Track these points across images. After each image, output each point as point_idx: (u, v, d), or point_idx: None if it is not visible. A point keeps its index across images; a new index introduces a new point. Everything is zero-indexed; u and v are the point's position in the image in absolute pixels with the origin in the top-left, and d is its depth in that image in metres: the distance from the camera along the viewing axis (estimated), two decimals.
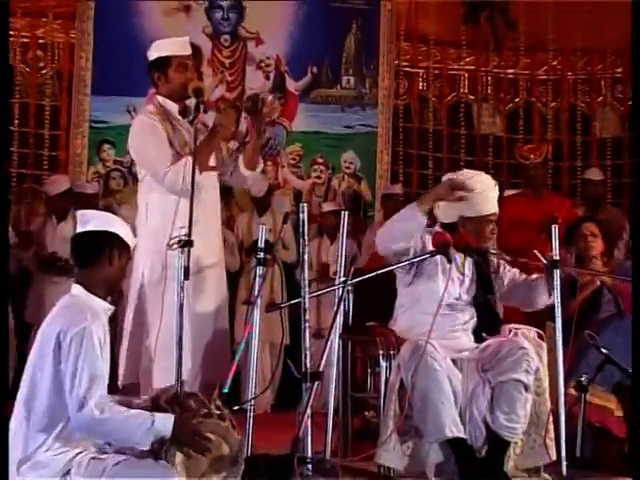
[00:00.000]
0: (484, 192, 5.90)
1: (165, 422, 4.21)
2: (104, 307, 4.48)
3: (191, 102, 6.25)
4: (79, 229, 4.59)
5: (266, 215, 9.59)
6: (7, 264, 6.70)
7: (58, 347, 4.27)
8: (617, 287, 7.05)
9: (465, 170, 6.63)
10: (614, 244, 8.50)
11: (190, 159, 5.98)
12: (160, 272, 6.11)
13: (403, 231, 5.62)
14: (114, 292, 4.77)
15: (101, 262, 4.49)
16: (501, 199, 8.49)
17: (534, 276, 6.11)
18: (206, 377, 6.16)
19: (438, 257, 5.72)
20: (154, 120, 6.30)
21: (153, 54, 6.33)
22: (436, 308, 5.64)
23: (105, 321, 4.43)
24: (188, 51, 6.39)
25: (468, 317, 5.91)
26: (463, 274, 6.00)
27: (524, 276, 6.10)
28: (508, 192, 9.63)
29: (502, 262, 6.15)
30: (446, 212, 5.85)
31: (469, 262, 5.99)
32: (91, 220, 4.63)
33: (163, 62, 6.27)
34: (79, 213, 4.79)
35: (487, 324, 5.92)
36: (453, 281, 5.90)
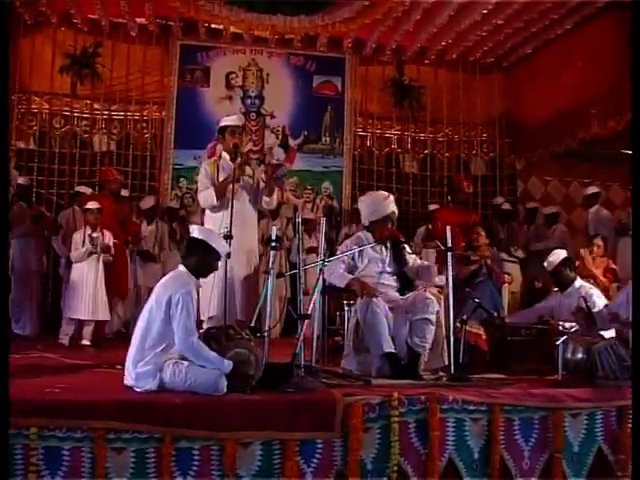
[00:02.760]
0: (381, 202, 7.11)
1: (227, 366, 5.13)
2: (195, 282, 5.50)
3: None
4: (193, 234, 5.59)
5: (277, 220, 11.34)
6: (7, 264, 7.25)
7: (169, 300, 5.23)
8: (491, 266, 8.86)
9: (369, 192, 8.30)
10: (493, 240, 10.42)
11: (212, 189, 7.34)
12: None
13: (337, 280, 6.68)
14: (203, 276, 5.63)
15: (197, 258, 5.50)
16: (435, 210, 11.42)
17: (426, 263, 7.39)
18: (241, 315, 7.16)
19: (369, 248, 6.91)
20: (205, 166, 7.69)
21: (221, 124, 7.81)
22: (379, 270, 6.89)
23: (194, 291, 5.40)
24: (237, 122, 7.91)
25: (393, 281, 6.96)
26: (383, 255, 7.01)
27: (419, 262, 7.20)
28: (433, 206, 12.14)
29: (407, 250, 7.16)
30: (369, 218, 7.11)
31: (386, 248, 7.02)
32: (199, 232, 5.64)
33: (223, 129, 7.75)
34: (193, 226, 5.79)
35: (406, 285, 6.97)
36: (380, 260, 6.98)
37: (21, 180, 10.79)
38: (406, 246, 7.26)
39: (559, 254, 7.90)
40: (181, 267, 5.52)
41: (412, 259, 7.16)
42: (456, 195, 11.52)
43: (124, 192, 11.33)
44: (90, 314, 9.16)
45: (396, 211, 7.18)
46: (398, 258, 7.06)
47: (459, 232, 9.33)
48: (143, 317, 5.41)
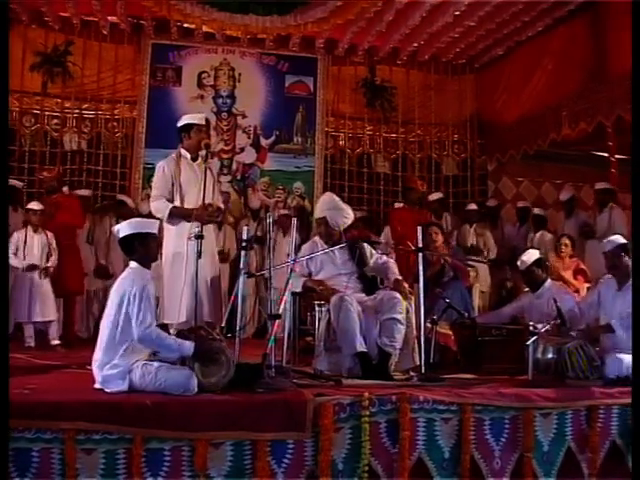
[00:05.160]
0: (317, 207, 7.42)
1: (189, 347, 5.24)
2: (150, 274, 5.53)
3: (202, 152, 7.56)
4: (120, 235, 5.55)
5: (257, 220, 11.69)
6: (7, 263, 7.33)
7: (126, 297, 5.24)
8: (453, 263, 8.88)
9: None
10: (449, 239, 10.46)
11: (167, 207, 7.19)
12: (179, 256, 7.24)
13: (295, 287, 6.71)
14: (154, 261, 5.71)
15: (138, 251, 5.50)
16: (393, 210, 11.42)
17: (382, 260, 7.30)
18: (209, 317, 7.10)
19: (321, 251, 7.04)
20: (163, 165, 7.46)
21: (182, 122, 7.66)
22: (334, 273, 7.04)
23: (151, 282, 5.43)
24: (203, 121, 7.80)
25: (354, 282, 7.04)
26: (335, 258, 7.12)
27: (380, 261, 7.26)
28: (397, 205, 11.92)
29: (368, 249, 7.24)
30: (334, 220, 7.17)
31: (337, 250, 7.09)
32: (123, 230, 5.56)
33: (188, 127, 7.58)
34: (115, 228, 5.69)
35: (370, 285, 7.08)
36: (332, 263, 7.10)
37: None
38: (365, 245, 7.30)
39: (533, 254, 7.95)
40: (131, 263, 5.52)
41: (373, 259, 7.22)
42: (409, 194, 11.28)
43: (85, 192, 11.25)
44: (37, 316, 9.08)
45: (323, 217, 7.18)
46: (354, 259, 7.13)
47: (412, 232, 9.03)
48: (105, 319, 5.41)
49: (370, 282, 7.15)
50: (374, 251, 7.35)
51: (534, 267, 7.82)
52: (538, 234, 11.51)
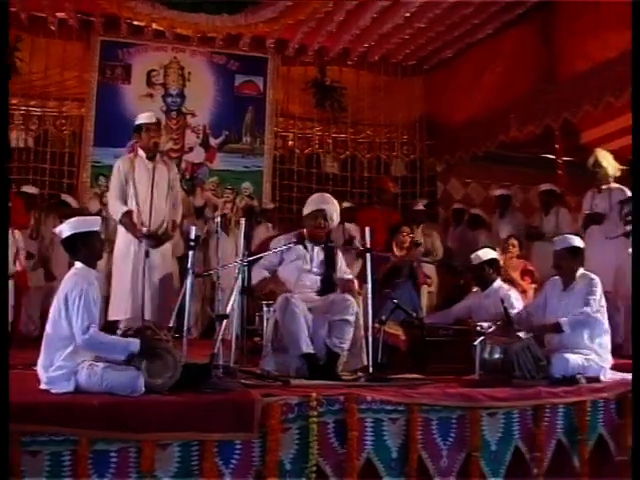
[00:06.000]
0: (311, 200, 7.22)
1: (134, 344, 5.18)
2: (94, 274, 5.42)
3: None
4: (62, 236, 5.42)
5: (200, 219, 11.35)
6: (7, 264, 7.18)
7: (68, 298, 5.16)
8: (415, 266, 9.02)
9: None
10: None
11: (122, 209, 7.37)
12: (128, 253, 7.42)
13: (255, 275, 6.81)
14: (98, 259, 5.55)
15: (82, 250, 5.37)
16: (359, 210, 11.48)
17: (348, 277, 7.12)
18: (152, 317, 7.16)
19: (298, 245, 6.93)
20: (119, 165, 7.63)
21: (136, 122, 7.79)
22: (297, 272, 6.88)
23: (95, 282, 5.33)
24: (151, 120, 7.82)
25: (314, 282, 6.94)
26: (313, 256, 7.01)
27: (347, 276, 7.10)
28: (345, 204, 11.54)
29: (341, 258, 7.16)
30: (306, 208, 7.11)
31: (318, 249, 7.03)
32: (65, 230, 5.43)
33: (140, 127, 7.70)
34: (57, 229, 5.54)
35: (328, 288, 6.91)
36: (306, 259, 6.97)
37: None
38: (340, 254, 7.27)
39: (488, 252, 8.06)
40: (76, 264, 5.42)
41: (342, 269, 7.18)
42: (381, 196, 11.59)
43: (31, 189, 11.03)
44: None
45: (326, 209, 7.06)
46: (328, 262, 7.09)
47: (383, 232, 9.43)
48: (49, 320, 5.34)
49: (329, 286, 7.00)
50: (343, 263, 7.27)
51: (486, 265, 7.91)
52: (483, 235, 11.68)
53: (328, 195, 7.45)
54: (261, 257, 7.02)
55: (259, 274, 6.87)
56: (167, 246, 7.75)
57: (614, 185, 9.22)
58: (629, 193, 8.98)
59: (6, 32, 6.40)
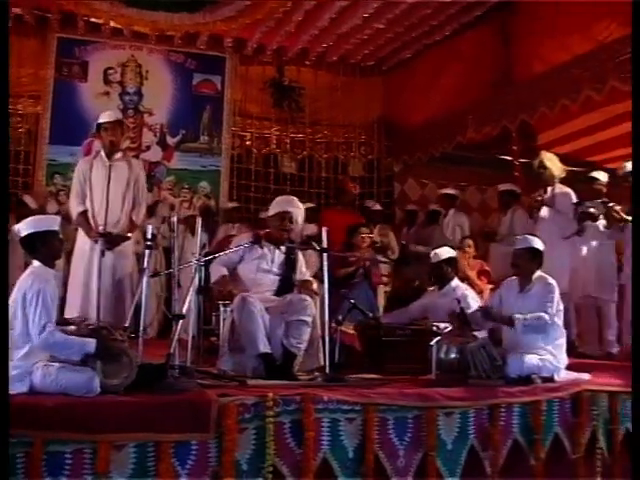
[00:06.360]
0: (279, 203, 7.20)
1: (90, 344, 5.12)
2: (52, 273, 5.40)
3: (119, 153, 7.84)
4: (20, 235, 5.39)
5: (154, 218, 11.32)
6: (6, 262, 7.37)
7: (25, 297, 5.10)
8: (369, 266, 9.08)
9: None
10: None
11: (79, 211, 7.50)
12: (84, 252, 7.59)
13: (214, 273, 6.80)
14: (57, 259, 5.55)
15: (40, 249, 5.35)
16: (325, 210, 11.56)
17: (309, 278, 7.15)
18: (105, 316, 7.28)
19: (255, 245, 6.92)
20: (79, 166, 7.81)
21: (99, 120, 7.96)
22: (256, 271, 6.90)
23: (52, 282, 5.29)
24: (109, 119, 7.95)
25: (272, 282, 6.96)
26: (274, 257, 7.02)
27: (304, 276, 7.12)
28: (308, 205, 11.40)
29: (301, 261, 7.19)
30: (272, 209, 7.15)
31: (278, 250, 7.04)
32: (22, 229, 5.38)
33: (99, 126, 7.91)
34: (14, 228, 5.51)
35: (286, 289, 6.96)
36: (266, 260, 6.97)
37: None
38: (300, 257, 7.28)
39: (447, 250, 8.18)
40: (34, 262, 5.38)
41: (302, 271, 7.20)
42: (341, 196, 11.73)
43: None
44: None
45: (292, 211, 7.12)
46: (289, 263, 7.10)
47: (343, 233, 9.48)
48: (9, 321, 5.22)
49: (287, 287, 7.04)
50: (304, 265, 7.31)
51: (444, 264, 8.02)
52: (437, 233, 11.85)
53: (294, 198, 7.47)
54: (217, 256, 6.98)
55: (218, 271, 6.85)
56: (127, 245, 7.80)
57: (559, 186, 9.45)
58: (572, 194, 9.35)
59: (6, 32, 6.21)
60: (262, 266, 6.98)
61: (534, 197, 9.58)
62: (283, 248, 7.08)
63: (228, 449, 4.98)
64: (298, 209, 7.24)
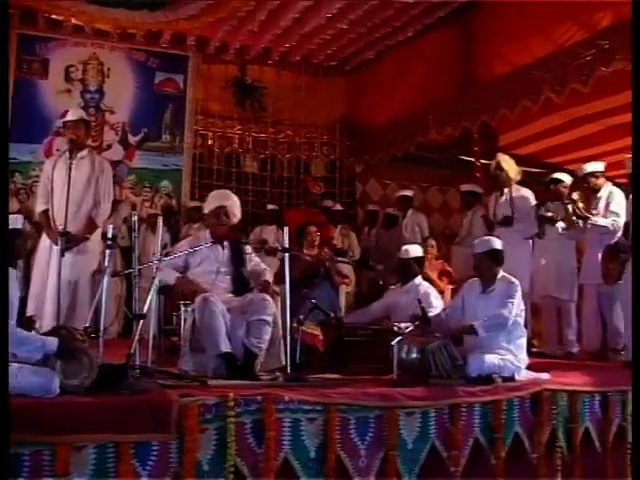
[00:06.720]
0: (213, 196, 7.34)
1: (52, 342, 5.06)
2: (14, 273, 5.35)
3: (84, 152, 7.88)
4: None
5: (116, 217, 10.79)
6: (7, 264, 7.41)
7: None
8: (329, 265, 9.32)
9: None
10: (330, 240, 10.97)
11: (41, 210, 7.61)
12: (47, 251, 7.63)
13: (166, 277, 6.58)
14: (19, 258, 5.67)
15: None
16: (288, 210, 11.73)
17: (260, 268, 7.21)
18: (74, 317, 7.41)
19: (205, 246, 6.90)
20: (44, 166, 8.01)
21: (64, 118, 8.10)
22: (208, 275, 6.91)
23: (14, 281, 5.27)
24: (72, 117, 8.03)
25: (226, 282, 6.97)
26: (218, 255, 7.02)
27: (259, 268, 7.19)
28: (270, 206, 12.39)
29: (249, 252, 7.22)
30: (207, 206, 7.21)
31: (222, 248, 7.06)
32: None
33: (64, 125, 8.17)
34: None
35: (242, 287, 6.98)
36: (210, 259, 6.98)
37: None
38: (248, 247, 7.30)
39: (416, 249, 8.34)
40: None
41: (252, 263, 7.19)
42: (305, 196, 11.92)
43: None
44: None
45: (227, 205, 7.15)
46: (235, 259, 7.09)
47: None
48: None
49: (242, 284, 7.05)
50: (254, 256, 7.32)
51: (412, 261, 8.16)
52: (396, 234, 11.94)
53: (228, 191, 7.59)
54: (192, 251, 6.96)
55: (170, 274, 6.76)
56: (90, 245, 7.77)
57: (516, 188, 9.57)
58: (529, 195, 9.51)
59: (6, 32, 6.30)
60: (211, 268, 6.98)
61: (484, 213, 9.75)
62: (226, 245, 7.06)
63: (189, 449, 4.96)
64: (233, 202, 7.25)
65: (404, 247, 8.39)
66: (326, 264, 9.19)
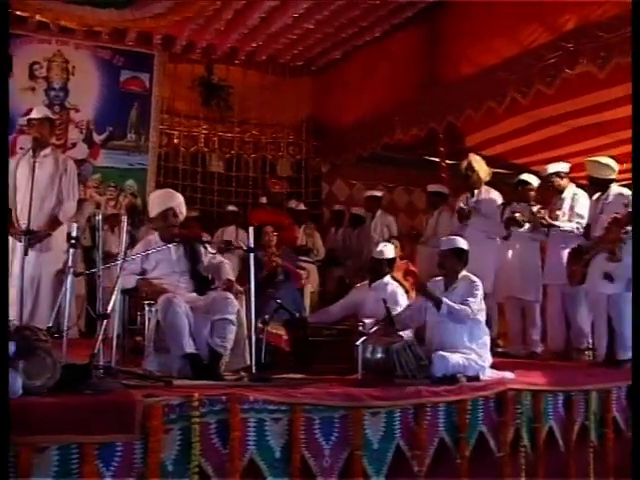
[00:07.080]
0: (158, 197, 7.25)
1: (9, 346, 4.92)
2: None
3: (47, 150, 7.88)
4: None
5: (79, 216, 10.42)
6: (7, 264, 7.17)
7: None
8: (284, 265, 9.28)
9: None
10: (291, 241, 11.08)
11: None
12: (13, 247, 7.49)
13: (127, 283, 6.55)
14: None
15: None
16: (252, 210, 11.80)
17: (217, 260, 7.16)
18: (37, 316, 7.49)
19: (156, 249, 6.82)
20: (10, 163, 7.53)
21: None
22: (169, 270, 6.87)
23: None
24: (35, 115, 8.02)
25: (186, 281, 6.93)
26: (171, 256, 6.92)
27: (215, 261, 7.14)
28: (231, 207, 12.48)
29: (201, 248, 7.16)
30: (153, 209, 7.05)
31: (173, 247, 6.94)
32: None
33: (28, 123, 8.10)
34: None
35: (202, 285, 6.94)
36: (163, 262, 6.88)
37: None
38: (208, 246, 7.26)
39: (391, 250, 8.43)
40: None
41: (207, 258, 7.15)
42: (270, 197, 12.04)
43: None
44: None
45: (174, 206, 7.05)
46: (190, 257, 7.05)
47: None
48: None
49: (202, 282, 7.02)
50: (208, 250, 7.24)
51: (385, 261, 8.26)
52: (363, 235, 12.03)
53: (170, 190, 7.55)
54: (144, 255, 6.88)
55: (130, 279, 6.70)
56: (53, 244, 7.73)
57: (485, 189, 9.71)
58: (497, 197, 9.64)
59: (6, 32, 6.12)
60: (165, 270, 6.92)
61: (460, 206, 9.80)
62: (176, 244, 6.94)
63: (153, 450, 4.92)
64: (179, 201, 7.16)
65: (379, 247, 8.48)
66: (280, 263, 9.19)
